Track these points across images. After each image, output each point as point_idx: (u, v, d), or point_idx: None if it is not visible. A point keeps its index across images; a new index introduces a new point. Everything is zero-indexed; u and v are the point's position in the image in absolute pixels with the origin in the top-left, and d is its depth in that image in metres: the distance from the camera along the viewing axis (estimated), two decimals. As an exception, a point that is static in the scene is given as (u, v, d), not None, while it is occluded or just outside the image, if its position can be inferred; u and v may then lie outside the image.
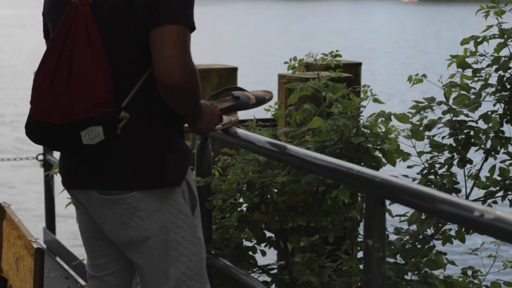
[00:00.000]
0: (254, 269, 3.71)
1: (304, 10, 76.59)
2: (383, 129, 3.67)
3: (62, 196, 2.92)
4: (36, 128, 2.59)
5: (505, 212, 2.06)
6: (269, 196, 3.52)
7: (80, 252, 5.77)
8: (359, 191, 3.47)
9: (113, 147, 2.56)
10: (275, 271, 3.76)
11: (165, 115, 2.62)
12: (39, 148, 6.14)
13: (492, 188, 3.76)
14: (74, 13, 2.53)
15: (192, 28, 2.54)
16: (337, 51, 3.92)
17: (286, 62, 3.92)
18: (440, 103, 3.69)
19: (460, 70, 3.85)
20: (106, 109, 2.50)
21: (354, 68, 5.48)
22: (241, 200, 3.65)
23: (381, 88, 21.41)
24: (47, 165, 5.92)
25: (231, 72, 5.63)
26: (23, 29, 44.28)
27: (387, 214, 3.84)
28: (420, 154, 3.75)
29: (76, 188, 2.74)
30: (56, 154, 5.90)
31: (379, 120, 3.59)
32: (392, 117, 3.58)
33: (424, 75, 3.63)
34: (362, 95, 3.71)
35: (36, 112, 2.57)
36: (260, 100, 2.98)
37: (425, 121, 3.75)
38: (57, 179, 6.08)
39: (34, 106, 2.59)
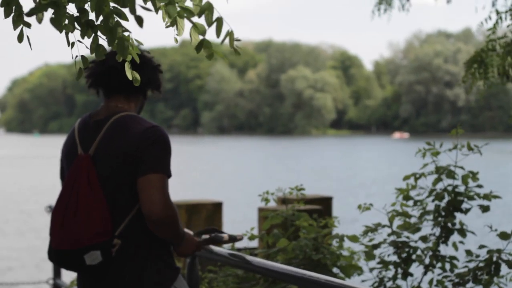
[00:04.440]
0: None
1: (294, 146, 78.16)
2: (344, 250, 4.50)
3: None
4: (53, 253, 3.43)
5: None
6: (245, 304, 4.31)
7: None
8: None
9: (111, 267, 3.35)
10: None
11: (149, 240, 3.42)
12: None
13: None
14: (78, 165, 3.39)
15: (169, 175, 3.36)
16: (301, 185, 4.78)
17: (260, 195, 4.77)
18: (384, 226, 4.52)
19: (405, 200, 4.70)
20: (104, 238, 3.32)
21: (326, 202, 6.37)
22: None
23: (355, 217, 22.27)
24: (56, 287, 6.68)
25: (217, 207, 6.50)
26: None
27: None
28: (371, 270, 4.55)
29: None
30: (64, 278, 6.66)
31: (335, 241, 4.42)
32: (345, 238, 4.42)
33: (371, 204, 4.48)
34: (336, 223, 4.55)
35: (52, 241, 3.42)
36: (232, 238, 3.78)
37: (374, 241, 4.57)
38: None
39: (51, 237, 3.43)
